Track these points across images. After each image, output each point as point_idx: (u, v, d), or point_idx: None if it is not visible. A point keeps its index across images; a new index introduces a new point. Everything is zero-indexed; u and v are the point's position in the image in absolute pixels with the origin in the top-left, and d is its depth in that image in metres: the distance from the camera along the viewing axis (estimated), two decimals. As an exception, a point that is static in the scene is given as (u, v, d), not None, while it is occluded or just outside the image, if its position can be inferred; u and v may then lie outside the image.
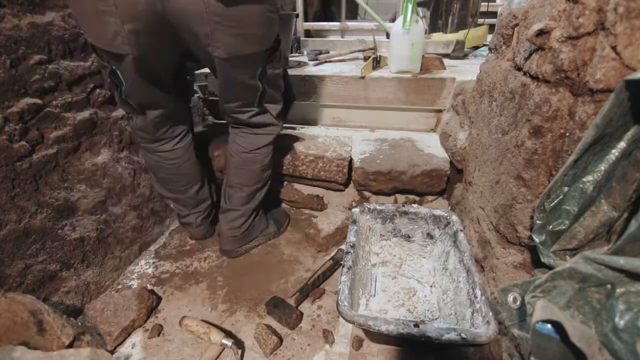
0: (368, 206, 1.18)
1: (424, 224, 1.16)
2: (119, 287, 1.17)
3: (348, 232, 1.08)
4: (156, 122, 1.11)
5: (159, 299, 1.12)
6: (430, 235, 1.16)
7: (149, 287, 1.16)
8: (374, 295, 1.06)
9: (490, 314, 0.76)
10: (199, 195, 1.31)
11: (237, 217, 1.24)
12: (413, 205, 1.18)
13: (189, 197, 1.28)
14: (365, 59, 1.76)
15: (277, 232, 1.38)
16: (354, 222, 1.12)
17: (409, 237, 1.19)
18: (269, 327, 0.96)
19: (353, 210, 1.17)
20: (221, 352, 0.92)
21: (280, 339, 0.95)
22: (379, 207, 1.17)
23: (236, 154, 1.19)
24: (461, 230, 1.02)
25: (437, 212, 1.12)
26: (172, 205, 1.32)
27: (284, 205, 1.58)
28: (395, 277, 1.13)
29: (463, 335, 0.71)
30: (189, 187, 1.27)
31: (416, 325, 0.74)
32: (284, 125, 1.61)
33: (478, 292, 0.81)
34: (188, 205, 1.30)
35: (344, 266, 0.93)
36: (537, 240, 0.61)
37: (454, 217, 1.08)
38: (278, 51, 1.07)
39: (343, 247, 1.18)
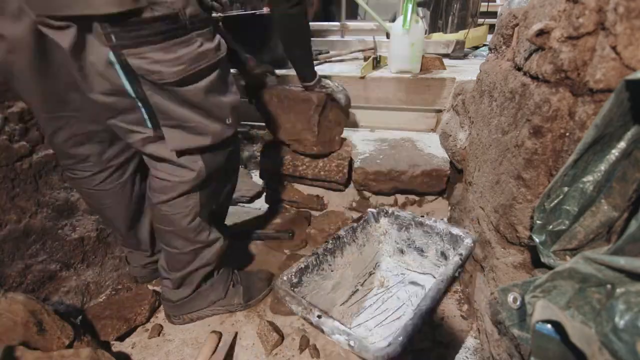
0: (387, 209, 1.15)
1: (439, 241, 1.07)
2: (119, 287, 1.17)
3: (344, 227, 1.08)
4: (66, 139, 0.85)
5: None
6: (444, 255, 1.07)
7: (149, 287, 1.16)
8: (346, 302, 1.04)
9: (400, 339, 0.70)
10: (138, 235, 1.07)
11: (167, 284, 0.98)
12: (430, 217, 1.10)
13: (126, 234, 1.05)
14: (365, 59, 1.76)
15: (243, 305, 1.05)
16: (364, 221, 1.12)
17: (422, 251, 1.12)
18: (271, 323, 0.97)
19: (369, 210, 1.15)
20: (217, 345, 0.93)
21: (282, 337, 0.95)
22: (397, 213, 1.13)
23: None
24: (460, 256, 0.93)
25: (455, 230, 1.02)
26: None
27: (284, 205, 1.58)
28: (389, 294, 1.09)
29: (351, 342, 0.71)
30: (124, 225, 1.02)
31: (319, 316, 0.76)
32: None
33: (412, 317, 0.75)
34: (128, 244, 1.09)
35: (315, 253, 0.97)
36: (537, 240, 0.61)
37: (468, 240, 0.97)
38: None
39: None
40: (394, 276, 1.16)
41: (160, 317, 1.05)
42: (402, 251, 1.17)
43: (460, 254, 0.93)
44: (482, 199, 0.96)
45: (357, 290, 1.10)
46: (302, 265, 0.92)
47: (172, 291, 0.97)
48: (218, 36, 0.77)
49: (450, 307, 1.05)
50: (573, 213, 0.58)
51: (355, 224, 1.11)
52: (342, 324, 0.74)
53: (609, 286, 0.44)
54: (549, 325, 0.46)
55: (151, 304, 1.04)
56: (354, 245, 1.10)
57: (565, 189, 0.58)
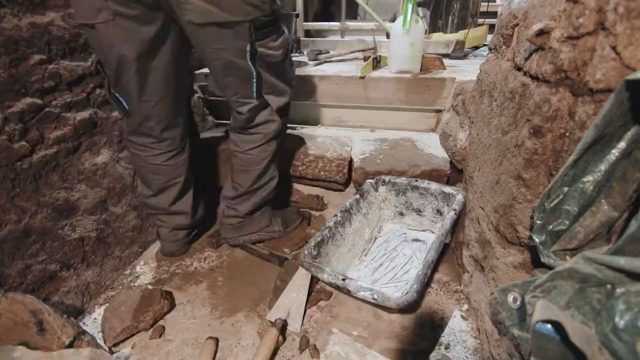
0: (384, 178, 1.28)
1: (433, 200, 1.23)
2: (120, 287, 1.17)
3: (348, 199, 1.22)
4: (150, 126, 1.05)
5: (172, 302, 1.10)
6: (439, 212, 1.23)
7: (150, 287, 1.16)
8: (363, 262, 1.20)
9: (415, 286, 0.87)
10: (182, 206, 1.23)
11: (232, 213, 1.23)
12: (424, 180, 1.25)
13: (165, 202, 1.19)
14: (365, 59, 1.76)
15: (283, 232, 1.33)
16: (365, 192, 1.25)
17: (420, 211, 1.28)
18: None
19: (367, 181, 1.27)
20: (216, 348, 0.93)
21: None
22: (393, 180, 1.28)
23: (234, 154, 1.16)
24: (455, 211, 1.08)
25: (447, 189, 1.18)
26: (150, 212, 1.25)
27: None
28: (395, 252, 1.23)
29: (375, 296, 0.86)
30: (166, 190, 1.18)
31: (343, 279, 0.91)
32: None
33: (422, 268, 0.92)
34: (164, 211, 1.21)
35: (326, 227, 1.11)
36: (537, 240, 0.61)
37: (460, 196, 1.12)
38: (274, 27, 0.96)
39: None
40: (397, 237, 1.31)
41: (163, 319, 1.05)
42: (401, 214, 1.34)
43: (455, 209, 1.09)
44: (482, 199, 0.96)
45: (367, 253, 1.24)
46: (319, 239, 1.08)
47: (232, 218, 1.23)
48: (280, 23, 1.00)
49: (450, 307, 1.05)
50: (573, 213, 0.58)
51: (357, 196, 1.25)
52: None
53: (609, 286, 0.44)
54: (549, 325, 0.46)
55: (155, 312, 1.02)
56: (360, 214, 1.24)
57: (565, 189, 0.58)
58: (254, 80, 0.97)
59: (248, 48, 0.91)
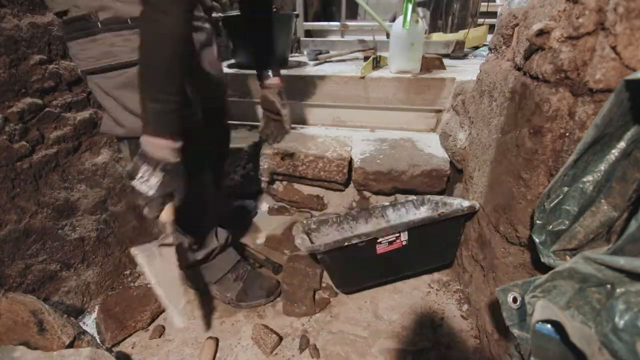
0: (430, 198, 1.23)
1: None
2: (120, 287, 1.17)
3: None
4: None
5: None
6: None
7: (149, 287, 1.16)
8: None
9: None
10: None
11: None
12: (452, 197, 1.19)
13: None
14: (365, 59, 1.76)
15: (234, 303, 1.09)
16: (403, 206, 1.25)
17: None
18: (266, 326, 0.97)
19: (412, 198, 1.25)
20: (216, 348, 0.93)
21: (280, 338, 0.95)
22: (432, 199, 1.23)
23: None
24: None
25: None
26: None
27: (284, 205, 1.58)
28: None
29: None
30: None
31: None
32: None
33: None
34: None
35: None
36: (537, 240, 0.61)
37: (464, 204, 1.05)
38: None
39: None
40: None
41: (160, 317, 1.05)
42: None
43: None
44: (482, 199, 0.96)
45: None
46: (322, 218, 1.15)
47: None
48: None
49: (450, 307, 1.05)
50: (573, 213, 0.58)
51: (387, 203, 1.24)
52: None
53: (608, 286, 0.44)
54: (549, 325, 0.46)
55: (152, 310, 1.03)
56: (382, 220, 1.23)
57: (565, 189, 0.58)
58: None
59: None
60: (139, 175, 0.73)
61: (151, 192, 0.73)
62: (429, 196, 1.25)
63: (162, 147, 0.72)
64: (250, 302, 1.08)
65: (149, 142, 0.72)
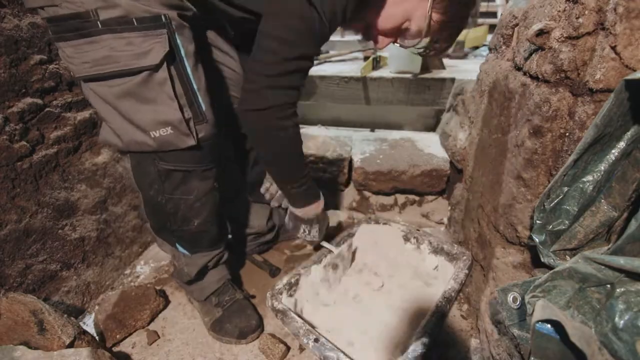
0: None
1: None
2: (120, 287, 1.17)
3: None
4: None
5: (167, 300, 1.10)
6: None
7: (149, 286, 1.16)
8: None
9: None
10: None
11: None
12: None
13: None
14: (365, 59, 1.76)
15: (209, 328, 0.99)
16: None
17: None
18: (273, 336, 0.94)
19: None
20: None
21: (287, 347, 0.93)
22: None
23: None
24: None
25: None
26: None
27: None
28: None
29: None
30: None
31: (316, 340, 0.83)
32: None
33: None
34: None
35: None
36: (537, 240, 0.61)
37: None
38: None
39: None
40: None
41: (160, 317, 1.05)
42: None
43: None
44: (482, 198, 0.96)
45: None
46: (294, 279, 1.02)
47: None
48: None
49: (450, 307, 1.05)
50: (573, 213, 0.58)
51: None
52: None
53: (608, 286, 0.44)
54: (548, 325, 0.46)
55: (152, 309, 1.02)
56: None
57: (565, 188, 0.58)
58: None
59: None
60: (301, 231, 1.03)
61: (316, 239, 1.06)
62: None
63: (311, 210, 0.99)
64: (220, 337, 0.96)
65: (301, 211, 0.99)
